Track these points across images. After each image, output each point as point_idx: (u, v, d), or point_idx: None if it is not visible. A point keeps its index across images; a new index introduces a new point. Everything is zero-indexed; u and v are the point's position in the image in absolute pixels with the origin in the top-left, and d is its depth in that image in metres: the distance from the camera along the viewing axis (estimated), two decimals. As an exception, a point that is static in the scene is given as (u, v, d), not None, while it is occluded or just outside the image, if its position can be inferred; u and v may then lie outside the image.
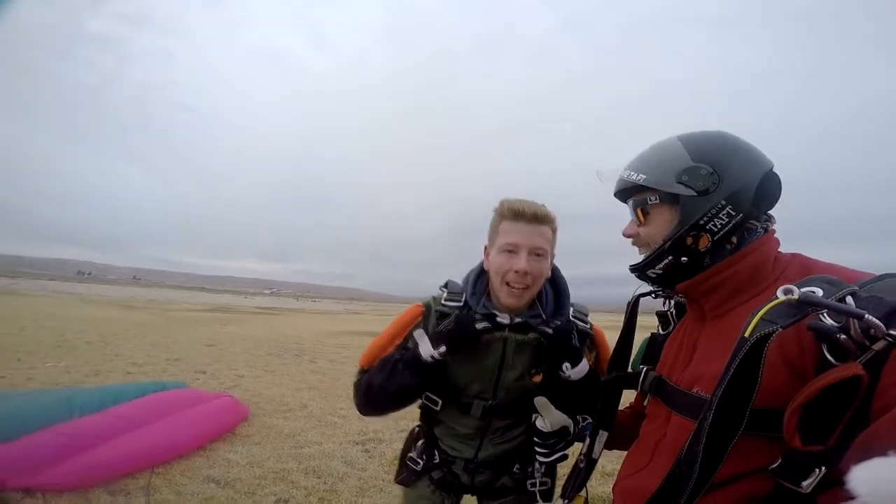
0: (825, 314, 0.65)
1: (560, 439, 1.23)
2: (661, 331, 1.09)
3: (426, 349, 1.24)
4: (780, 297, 0.65)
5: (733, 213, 0.84)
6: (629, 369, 1.12)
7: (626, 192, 0.98)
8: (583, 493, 1.21)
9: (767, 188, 0.86)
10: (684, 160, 0.87)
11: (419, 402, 1.43)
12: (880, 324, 0.60)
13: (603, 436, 1.14)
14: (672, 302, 1.08)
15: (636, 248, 1.00)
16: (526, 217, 1.26)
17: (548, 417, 1.20)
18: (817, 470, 0.64)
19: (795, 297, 0.64)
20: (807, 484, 0.64)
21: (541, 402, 1.20)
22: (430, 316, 1.37)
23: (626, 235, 1.00)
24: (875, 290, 0.66)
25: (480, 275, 1.40)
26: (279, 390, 6.69)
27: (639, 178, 0.91)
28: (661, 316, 1.09)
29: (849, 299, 0.65)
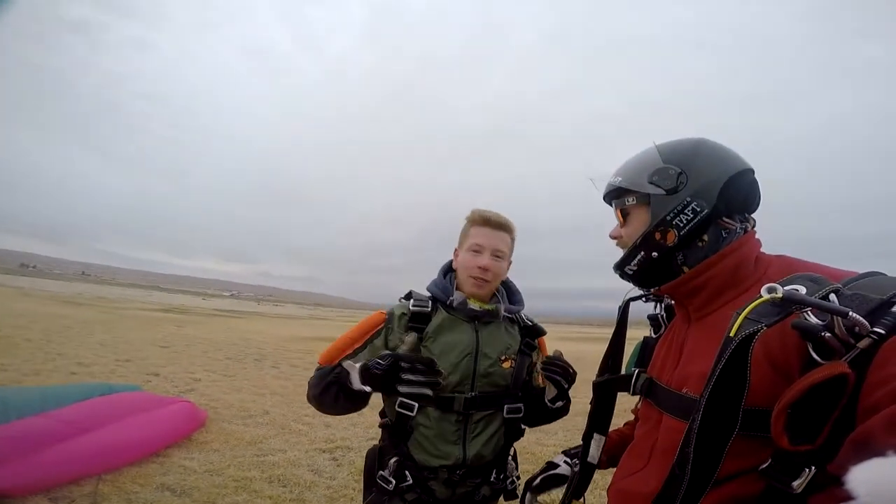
0: (810, 312, 0.65)
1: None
2: (653, 334, 1.12)
3: (355, 381, 1.31)
4: (764, 295, 0.65)
5: (698, 210, 0.87)
6: (622, 373, 1.15)
7: (609, 195, 1.03)
8: (582, 500, 1.20)
9: (739, 187, 0.89)
10: (656, 162, 0.93)
11: (388, 419, 1.49)
12: (864, 321, 0.60)
13: (599, 440, 1.16)
14: (662, 305, 1.12)
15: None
16: (491, 224, 1.50)
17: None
18: (807, 470, 0.63)
19: (779, 295, 0.64)
20: (797, 484, 0.63)
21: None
22: (394, 321, 1.47)
23: (612, 237, 1.04)
24: (859, 287, 0.67)
25: (448, 272, 1.59)
26: (239, 395, 6.38)
27: (616, 180, 0.98)
28: (653, 319, 1.13)
29: (832, 297, 0.66)
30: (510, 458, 1.53)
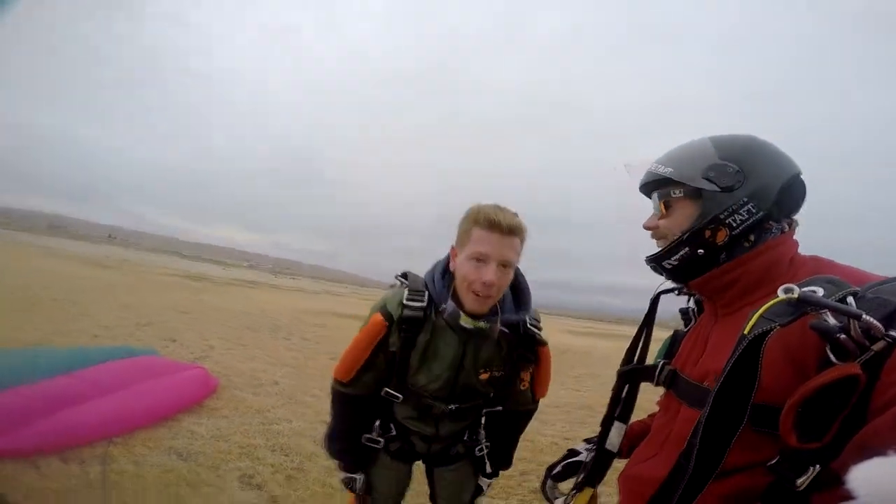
0: (828, 314, 0.65)
1: None
2: (683, 327, 1.11)
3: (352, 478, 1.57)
4: (781, 295, 0.67)
5: (754, 211, 0.86)
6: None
7: (651, 184, 1.01)
8: (595, 489, 1.19)
9: (791, 191, 0.89)
10: (712, 157, 0.90)
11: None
12: (878, 324, 0.61)
13: (621, 428, 1.15)
14: (693, 299, 1.11)
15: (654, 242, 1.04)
16: (501, 229, 1.27)
17: None
18: (812, 468, 0.64)
19: (795, 295, 0.66)
20: (801, 481, 0.65)
21: None
22: (393, 327, 1.39)
23: (647, 227, 1.02)
24: (881, 291, 0.67)
25: (446, 272, 1.44)
26: (251, 364, 6.58)
27: (666, 171, 0.94)
28: (683, 313, 1.12)
29: (850, 300, 0.66)
30: (480, 427, 1.63)
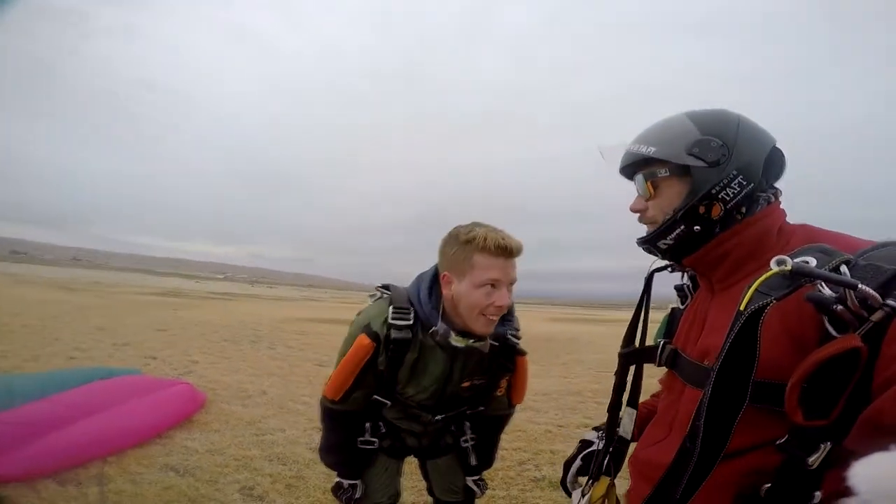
0: (823, 284, 0.63)
1: None
2: (680, 305, 1.09)
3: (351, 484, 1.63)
4: (774, 268, 0.65)
5: (745, 184, 0.85)
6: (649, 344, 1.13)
7: (633, 166, 0.98)
8: (611, 480, 1.16)
9: (773, 161, 0.89)
10: (694, 133, 0.88)
11: None
12: (875, 294, 0.59)
13: (632, 413, 1.14)
14: (688, 275, 1.08)
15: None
16: (509, 253, 1.30)
17: None
18: (823, 446, 0.63)
19: (788, 267, 0.63)
20: (813, 459, 0.64)
21: None
22: (380, 347, 1.38)
23: (634, 210, 0.99)
24: (874, 258, 0.65)
25: (432, 292, 1.40)
26: (237, 377, 6.48)
27: (649, 150, 0.91)
28: (679, 290, 1.10)
29: (843, 268, 0.64)
30: (464, 419, 1.73)
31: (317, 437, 4.09)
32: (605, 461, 1.16)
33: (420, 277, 1.46)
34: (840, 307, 0.62)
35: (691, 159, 0.87)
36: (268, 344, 10.15)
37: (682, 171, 0.89)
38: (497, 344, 1.47)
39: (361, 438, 1.62)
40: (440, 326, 1.35)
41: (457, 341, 1.35)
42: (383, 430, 1.65)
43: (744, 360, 0.65)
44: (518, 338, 1.53)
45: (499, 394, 1.61)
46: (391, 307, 1.38)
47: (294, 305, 29.52)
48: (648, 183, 0.94)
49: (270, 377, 6.64)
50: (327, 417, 1.56)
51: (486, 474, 1.78)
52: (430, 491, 1.84)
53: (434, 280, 1.42)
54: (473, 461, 1.72)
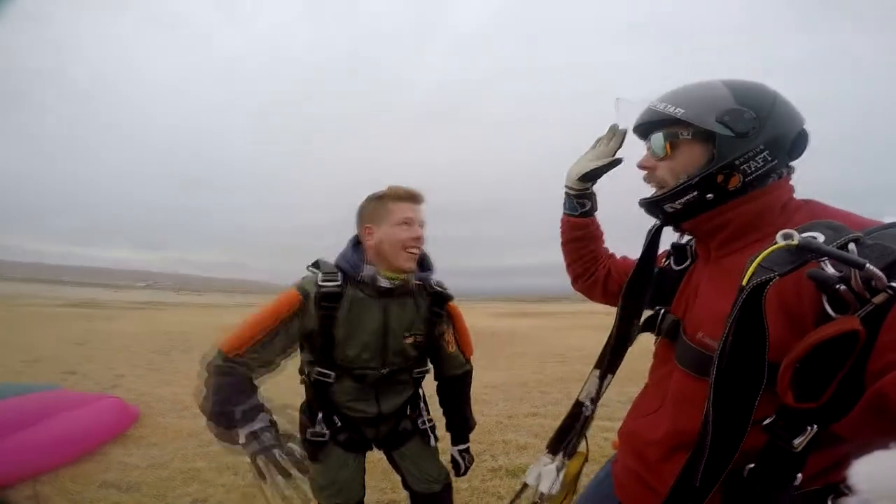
0: (827, 263, 0.62)
1: None
2: (672, 265, 1.04)
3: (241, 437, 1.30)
4: (780, 242, 0.63)
5: (769, 159, 0.83)
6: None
7: (652, 124, 0.94)
8: (582, 448, 1.16)
9: (802, 143, 0.86)
10: (728, 101, 0.84)
11: (305, 378, 1.60)
12: (881, 275, 0.57)
13: (608, 380, 1.11)
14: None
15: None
16: (416, 198, 1.54)
17: None
18: (809, 428, 0.63)
19: (795, 242, 0.62)
20: (798, 442, 0.64)
21: None
22: (310, 301, 1.46)
23: (642, 167, 0.96)
24: (882, 237, 0.63)
25: (356, 248, 1.58)
26: (170, 388, 6.07)
27: (676, 111, 0.86)
28: (678, 248, 1.04)
29: (851, 246, 0.62)
30: (420, 400, 1.76)
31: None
32: (581, 431, 1.13)
33: (345, 247, 1.61)
34: (843, 287, 0.60)
35: (720, 126, 0.83)
36: (201, 353, 9.55)
37: (706, 136, 0.86)
38: (421, 283, 1.61)
39: (312, 430, 1.56)
40: (366, 268, 1.50)
41: (384, 278, 1.51)
42: (339, 424, 1.59)
43: (751, 339, 0.64)
44: (443, 287, 1.66)
45: (451, 350, 1.73)
46: (321, 273, 1.50)
47: (227, 312, 27.98)
48: (667, 143, 0.90)
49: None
50: (217, 376, 1.37)
51: (448, 466, 1.78)
52: (405, 484, 1.75)
53: (355, 241, 1.59)
54: (433, 442, 1.73)
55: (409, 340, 1.58)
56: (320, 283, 1.47)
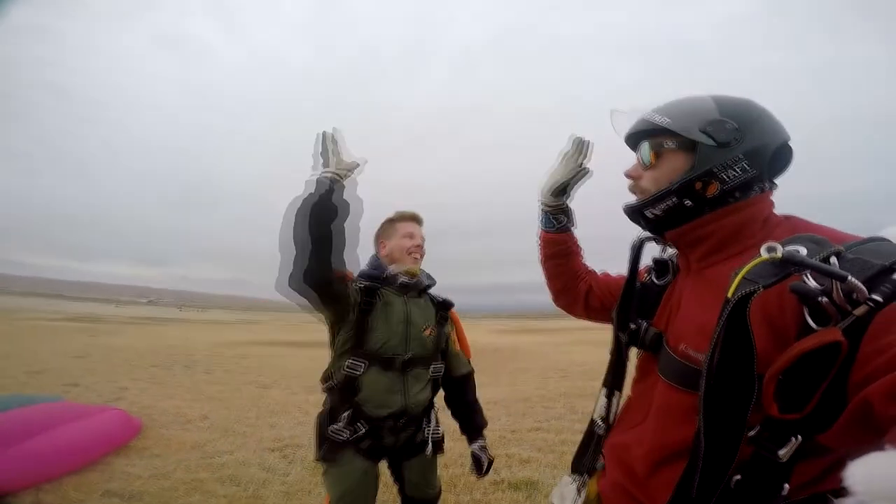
0: (809, 275, 0.63)
1: None
2: (654, 279, 1.04)
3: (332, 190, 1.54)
4: (764, 254, 0.64)
5: (748, 169, 0.84)
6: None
7: (641, 133, 0.97)
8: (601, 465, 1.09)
9: (781, 155, 0.88)
10: (712, 113, 0.86)
11: (334, 382, 1.73)
12: (862, 287, 0.58)
13: (616, 397, 1.07)
14: (672, 250, 1.03)
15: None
16: (416, 218, 1.94)
17: None
18: (794, 439, 0.64)
19: (779, 255, 0.63)
20: (783, 453, 0.65)
21: None
22: (356, 283, 1.77)
23: (629, 175, 0.98)
24: (862, 252, 0.64)
25: (376, 259, 1.93)
26: (173, 402, 6.08)
27: (663, 120, 0.89)
28: (660, 263, 1.05)
29: (833, 260, 0.63)
30: (433, 411, 1.92)
31: (269, 458, 3.98)
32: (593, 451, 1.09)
33: (370, 259, 1.96)
34: (825, 299, 0.61)
35: (703, 136, 0.85)
36: (204, 368, 9.58)
37: (690, 146, 0.88)
38: (428, 294, 1.94)
39: (334, 427, 1.68)
40: (391, 268, 1.84)
41: (401, 273, 1.83)
42: (362, 431, 1.69)
43: (738, 351, 0.65)
44: (441, 297, 1.97)
45: (456, 349, 2.00)
46: (357, 279, 1.82)
47: (230, 329, 27.98)
48: (652, 152, 0.93)
49: (211, 401, 6.28)
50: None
51: (450, 479, 1.88)
52: (402, 491, 1.89)
53: (374, 258, 1.93)
54: (429, 451, 1.84)
55: (427, 332, 1.83)
56: (359, 284, 1.77)
